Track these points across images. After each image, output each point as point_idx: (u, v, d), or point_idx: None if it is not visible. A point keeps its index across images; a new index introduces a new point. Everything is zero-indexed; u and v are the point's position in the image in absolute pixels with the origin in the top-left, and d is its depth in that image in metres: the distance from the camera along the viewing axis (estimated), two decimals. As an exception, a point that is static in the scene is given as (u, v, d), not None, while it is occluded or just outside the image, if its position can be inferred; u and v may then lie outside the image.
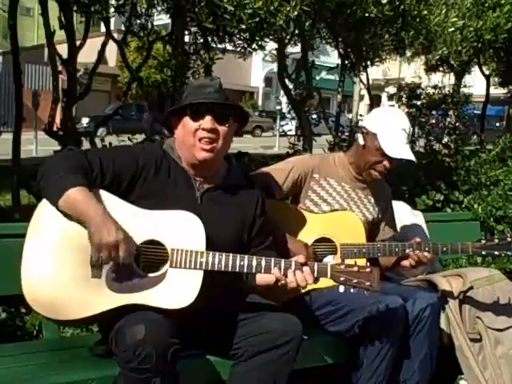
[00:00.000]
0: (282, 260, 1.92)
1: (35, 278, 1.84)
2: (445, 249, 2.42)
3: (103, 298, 1.81)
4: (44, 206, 1.89)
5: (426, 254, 2.38)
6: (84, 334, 2.72)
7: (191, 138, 1.97)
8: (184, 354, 1.81)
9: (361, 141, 2.53)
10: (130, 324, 1.72)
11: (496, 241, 2.41)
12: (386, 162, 2.48)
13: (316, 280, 1.94)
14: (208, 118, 1.96)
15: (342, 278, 1.93)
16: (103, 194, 1.90)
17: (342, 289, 1.94)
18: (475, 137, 7.51)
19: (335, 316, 2.33)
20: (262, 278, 2.02)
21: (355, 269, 1.93)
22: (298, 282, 1.89)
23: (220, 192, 2.08)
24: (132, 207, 1.91)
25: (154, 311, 1.79)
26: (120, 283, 1.83)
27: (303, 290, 2.40)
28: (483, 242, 2.42)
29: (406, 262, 2.46)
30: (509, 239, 2.40)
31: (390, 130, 2.47)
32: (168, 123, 2.09)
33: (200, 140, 1.97)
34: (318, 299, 2.38)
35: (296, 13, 3.48)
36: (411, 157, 2.47)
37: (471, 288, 2.70)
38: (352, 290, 1.93)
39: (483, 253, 2.42)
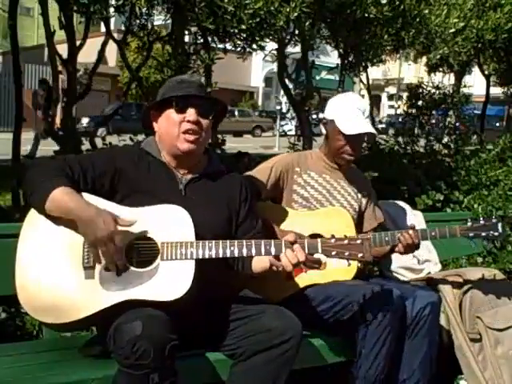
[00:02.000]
0: (272, 241, 1.93)
1: (29, 283, 1.84)
2: (433, 233, 2.44)
3: (98, 298, 1.82)
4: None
5: (410, 232, 2.40)
6: (84, 334, 2.72)
7: (175, 130, 2.02)
8: (183, 353, 1.82)
9: (323, 131, 2.66)
10: (127, 321, 1.72)
11: (482, 222, 2.43)
12: (349, 144, 2.56)
13: (309, 256, 1.93)
14: (192, 111, 2.02)
15: (333, 252, 1.92)
16: (87, 196, 1.91)
17: (335, 262, 1.94)
18: (475, 137, 7.51)
19: (334, 311, 2.33)
20: (256, 268, 2.05)
21: (346, 242, 1.92)
22: (290, 259, 1.90)
23: (203, 181, 2.12)
24: (119, 207, 1.92)
25: (150, 306, 1.79)
26: (114, 281, 1.84)
27: (300, 286, 2.42)
28: (469, 224, 2.44)
29: (395, 249, 2.48)
30: (494, 220, 2.43)
31: (344, 111, 2.56)
32: (147, 117, 2.13)
33: (184, 132, 2.02)
34: (317, 296, 2.39)
35: (296, 14, 3.48)
36: (369, 129, 2.55)
37: (471, 288, 2.70)
38: (344, 263, 1.93)
39: (470, 234, 2.43)
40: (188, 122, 2.01)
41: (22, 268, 1.86)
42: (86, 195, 1.91)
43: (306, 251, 1.92)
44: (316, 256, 1.96)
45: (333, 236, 1.95)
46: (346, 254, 1.91)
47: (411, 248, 2.45)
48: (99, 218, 1.78)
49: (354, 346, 2.31)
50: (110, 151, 2.16)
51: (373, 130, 2.57)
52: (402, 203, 3.26)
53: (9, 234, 2.22)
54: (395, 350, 2.32)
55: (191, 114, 2.01)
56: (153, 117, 2.11)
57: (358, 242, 1.92)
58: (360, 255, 1.91)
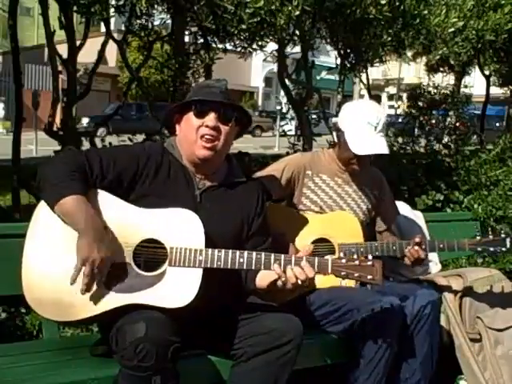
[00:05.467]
0: (282, 255, 1.91)
1: (36, 280, 1.84)
2: (441, 246, 2.45)
3: (104, 299, 1.82)
4: (43, 206, 1.90)
5: (416, 248, 2.40)
6: (84, 334, 2.73)
7: (193, 135, 1.99)
8: (185, 354, 1.81)
9: (335, 138, 2.60)
10: (130, 322, 1.72)
11: (491, 237, 2.44)
12: (358, 158, 2.51)
13: (317, 273, 1.90)
14: (212, 116, 1.98)
15: (343, 273, 1.89)
16: (102, 194, 1.91)
17: (344, 282, 1.92)
18: (475, 137, 7.51)
19: (334, 316, 2.33)
20: (261, 281, 2.02)
21: (356, 262, 1.89)
22: (298, 276, 1.86)
23: (221, 190, 2.09)
24: (131, 206, 1.92)
25: (154, 309, 1.79)
26: (120, 283, 1.83)
27: (305, 289, 2.41)
28: (478, 238, 2.46)
29: (403, 260, 2.48)
30: (503, 235, 2.44)
31: (355, 126, 2.47)
32: (169, 121, 2.11)
33: (202, 137, 1.99)
34: (317, 300, 2.39)
35: (298, 12, 3.47)
36: (379, 150, 2.45)
37: (471, 288, 2.71)
38: (354, 285, 1.91)
39: (479, 249, 2.45)
40: (206, 127, 1.98)
41: (29, 264, 1.86)
42: (101, 193, 1.90)
43: (316, 269, 1.89)
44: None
45: (344, 255, 1.92)
46: (356, 275, 1.89)
47: (418, 262, 2.45)
48: (101, 244, 1.77)
49: (354, 346, 2.31)
50: (133, 150, 2.09)
51: (384, 151, 2.46)
52: (401, 203, 3.26)
53: (9, 234, 2.22)
54: (396, 349, 2.31)
55: (210, 119, 1.98)
56: (176, 120, 2.09)
57: (369, 263, 1.89)
58: (370, 277, 1.88)
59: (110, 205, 1.90)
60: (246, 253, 1.89)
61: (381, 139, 2.48)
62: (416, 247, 2.39)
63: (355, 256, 1.91)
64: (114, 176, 1.94)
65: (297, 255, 1.92)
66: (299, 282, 1.87)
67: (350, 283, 2.32)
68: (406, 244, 2.43)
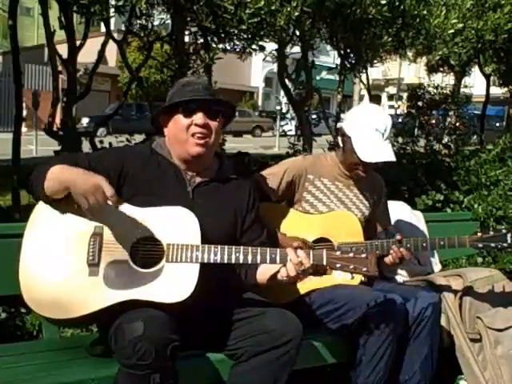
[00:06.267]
0: (278, 249, 1.93)
1: (33, 278, 1.85)
2: (442, 243, 2.45)
3: (101, 296, 1.82)
4: (41, 206, 1.91)
5: (402, 250, 2.40)
6: (84, 334, 2.73)
7: (184, 134, 2.02)
8: (184, 353, 1.82)
9: (340, 143, 2.57)
10: (129, 321, 1.73)
11: (491, 233, 2.44)
12: (363, 165, 2.49)
13: (313, 265, 1.92)
14: (200, 114, 2.01)
15: (338, 265, 1.92)
16: None
17: (340, 274, 1.92)
18: (475, 137, 7.53)
19: (335, 315, 2.33)
20: (262, 275, 2.04)
21: (351, 255, 1.92)
22: (296, 266, 1.88)
23: (212, 186, 2.11)
24: (127, 205, 1.93)
25: (152, 307, 1.80)
26: (117, 280, 1.84)
27: (304, 291, 2.41)
28: (479, 234, 2.46)
29: (386, 260, 2.47)
30: (504, 231, 2.44)
31: (363, 133, 2.45)
32: (157, 122, 2.13)
33: (193, 135, 2.01)
34: (318, 299, 2.39)
35: (297, 13, 3.47)
36: (387, 158, 2.44)
37: (471, 288, 2.71)
38: (349, 277, 1.93)
39: (480, 245, 2.44)
40: (196, 125, 2.01)
41: (26, 263, 1.87)
42: None
43: (311, 261, 1.91)
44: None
45: (339, 248, 1.95)
46: (351, 267, 1.91)
47: (401, 262, 2.46)
48: (89, 174, 1.78)
49: (354, 347, 2.31)
50: (120, 150, 2.16)
51: (391, 158, 2.44)
52: (401, 203, 3.26)
53: (9, 234, 2.23)
54: (396, 351, 2.32)
55: (199, 117, 2.00)
56: (163, 121, 2.11)
57: (363, 255, 1.91)
58: (364, 269, 1.91)
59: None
60: (241, 247, 1.92)
61: (388, 146, 2.47)
62: (402, 249, 2.40)
63: (349, 249, 1.94)
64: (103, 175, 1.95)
65: (292, 246, 1.95)
66: (296, 270, 1.88)
67: (346, 277, 2.33)
68: (406, 242, 2.44)
